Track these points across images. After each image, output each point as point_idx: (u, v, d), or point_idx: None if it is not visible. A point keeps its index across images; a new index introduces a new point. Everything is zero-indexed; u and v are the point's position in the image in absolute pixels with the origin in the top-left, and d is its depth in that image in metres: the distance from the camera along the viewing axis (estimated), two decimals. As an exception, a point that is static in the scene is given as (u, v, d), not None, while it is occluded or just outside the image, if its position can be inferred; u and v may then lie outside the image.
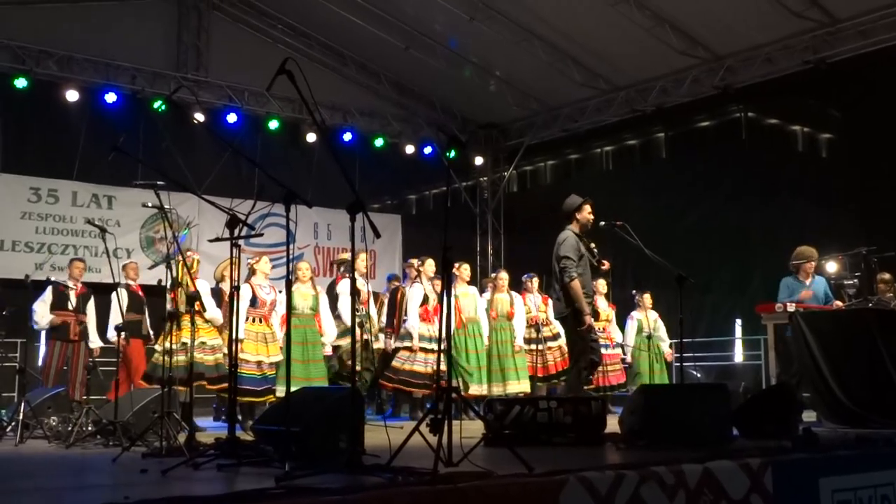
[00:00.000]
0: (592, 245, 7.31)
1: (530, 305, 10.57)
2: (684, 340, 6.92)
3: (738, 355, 12.79)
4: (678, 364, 10.27)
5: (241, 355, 8.07)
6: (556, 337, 10.43)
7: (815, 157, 12.43)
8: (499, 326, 10.21)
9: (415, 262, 10.02)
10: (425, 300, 9.59)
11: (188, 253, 8.28)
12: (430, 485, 3.46)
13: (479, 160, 15.40)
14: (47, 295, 9.07)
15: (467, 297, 9.98)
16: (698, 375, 12.32)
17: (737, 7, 10.75)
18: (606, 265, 7.60)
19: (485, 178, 15.89)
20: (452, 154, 13.92)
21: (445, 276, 4.45)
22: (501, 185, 15.75)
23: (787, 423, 5.94)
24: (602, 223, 7.33)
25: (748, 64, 11.68)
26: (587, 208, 7.26)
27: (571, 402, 6.00)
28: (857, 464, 4.66)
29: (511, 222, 15.74)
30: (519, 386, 10.03)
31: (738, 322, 12.54)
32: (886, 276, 8.72)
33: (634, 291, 11.28)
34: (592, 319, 7.28)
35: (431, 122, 14.70)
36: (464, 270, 10.05)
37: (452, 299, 9.64)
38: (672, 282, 6.75)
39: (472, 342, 9.86)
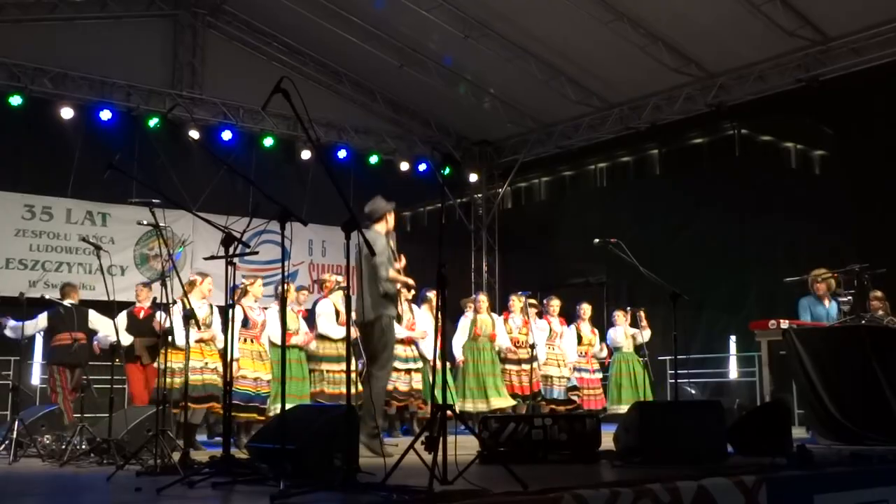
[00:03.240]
0: (392, 243, 7.22)
1: (511, 325, 10.76)
2: (679, 357, 6.92)
3: (733, 372, 12.79)
4: (673, 381, 10.30)
5: (239, 373, 8.13)
6: (531, 360, 10.52)
7: (809, 174, 12.45)
8: (482, 346, 10.45)
9: None
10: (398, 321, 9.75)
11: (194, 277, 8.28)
12: (427, 503, 3.46)
13: (473, 177, 15.44)
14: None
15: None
16: (693, 392, 12.31)
17: (730, 26, 10.82)
18: (402, 261, 7.63)
19: (479, 195, 15.93)
20: (447, 171, 14.04)
21: (441, 294, 4.45)
22: (496, 202, 15.79)
23: (781, 439, 5.96)
24: (596, 240, 7.34)
25: (741, 82, 11.77)
26: (393, 214, 7.24)
27: (566, 419, 6.01)
28: (852, 481, 4.66)
29: (505, 239, 15.76)
30: (503, 401, 10.28)
31: (733, 339, 12.54)
32: (879, 293, 8.75)
33: (629, 309, 11.30)
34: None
35: (426, 139, 14.74)
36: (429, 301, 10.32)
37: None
38: (667, 299, 6.77)
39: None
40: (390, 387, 9.54)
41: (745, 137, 12.88)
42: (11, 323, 8.84)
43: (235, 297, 5.89)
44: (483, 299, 10.80)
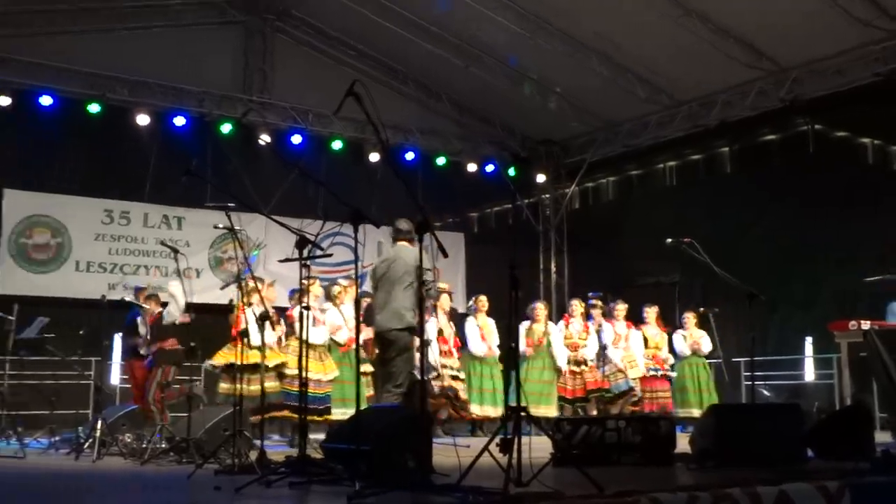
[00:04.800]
0: None
1: (571, 330, 10.85)
2: (755, 359, 6.79)
3: (809, 374, 12.48)
4: (749, 383, 10.12)
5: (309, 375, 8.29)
6: (587, 362, 10.71)
7: (887, 169, 12.07)
8: (536, 354, 10.56)
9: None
10: (440, 333, 9.81)
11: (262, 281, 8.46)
12: (503, 505, 3.47)
13: (540, 177, 15.36)
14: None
15: (487, 328, 10.47)
16: (767, 394, 12.06)
17: (803, 18, 10.56)
18: None
19: (546, 196, 15.85)
20: (514, 172, 13.98)
21: (514, 295, 4.44)
22: (564, 202, 15.69)
23: (863, 443, 5.81)
24: (669, 240, 7.25)
25: (816, 76, 11.46)
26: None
27: (640, 421, 5.95)
28: (940, 487, 4.52)
29: (573, 239, 15.66)
30: (545, 410, 10.31)
31: (809, 340, 12.24)
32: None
33: (702, 310, 11.14)
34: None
35: (492, 139, 14.73)
36: (481, 303, 10.53)
37: (477, 329, 10.23)
38: (739, 298, 6.66)
39: (489, 369, 10.37)
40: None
41: (819, 133, 12.56)
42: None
43: (304, 301, 5.98)
44: (541, 306, 10.88)
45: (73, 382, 9.69)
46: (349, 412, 8.70)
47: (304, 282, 6.27)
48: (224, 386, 8.66)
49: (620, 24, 11.53)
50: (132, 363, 9.26)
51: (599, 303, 10.99)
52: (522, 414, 4.36)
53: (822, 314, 11.10)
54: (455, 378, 9.88)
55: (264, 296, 8.05)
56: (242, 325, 6.82)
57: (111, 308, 8.96)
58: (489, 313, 10.57)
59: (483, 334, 10.36)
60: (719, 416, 5.73)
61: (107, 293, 9.97)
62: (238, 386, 6.34)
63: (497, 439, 4.21)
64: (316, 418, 8.77)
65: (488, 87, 13.51)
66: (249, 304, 7.37)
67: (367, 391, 9.05)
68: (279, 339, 8.95)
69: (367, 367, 9.06)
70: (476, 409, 10.15)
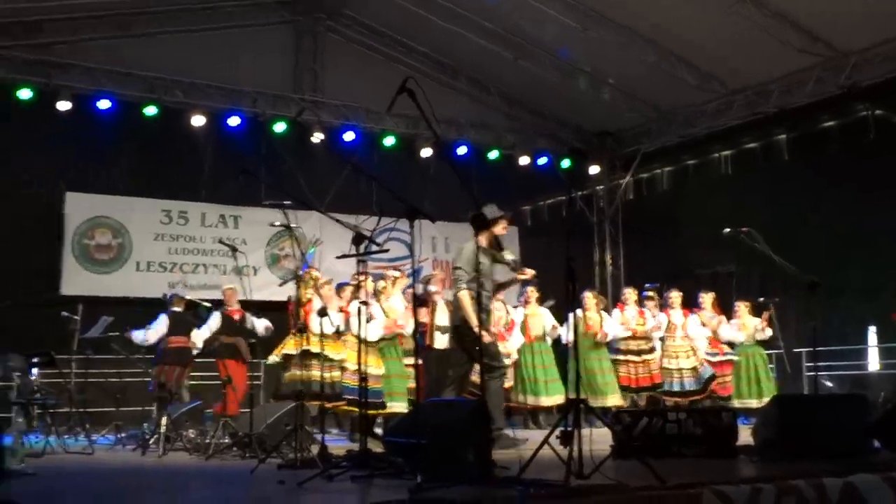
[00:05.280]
0: (508, 255, 7.06)
1: (626, 317, 10.83)
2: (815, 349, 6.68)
3: (873, 364, 12.21)
4: (812, 374, 9.95)
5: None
6: (651, 350, 10.77)
7: (951, 153, 11.75)
8: (586, 343, 10.50)
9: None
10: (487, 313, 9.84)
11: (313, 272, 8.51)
12: (565, 497, 3.47)
13: (594, 169, 15.25)
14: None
15: (535, 318, 10.47)
16: (830, 385, 11.83)
17: (860, 2, 10.33)
18: (528, 274, 7.58)
19: (600, 187, 15.73)
20: (568, 164, 13.90)
21: (572, 287, 4.43)
22: (618, 194, 15.56)
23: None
24: (727, 230, 7.18)
25: (875, 60, 11.21)
26: (503, 223, 6.86)
27: (701, 413, 5.90)
28: None
29: (628, 230, 15.54)
30: (611, 400, 10.29)
31: (872, 329, 11.98)
32: None
33: (761, 300, 10.97)
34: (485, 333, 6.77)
35: (545, 132, 14.67)
36: (532, 293, 10.50)
37: (522, 318, 10.23)
38: (799, 287, 6.56)
39: (541, 358, 10.35)
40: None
41: (880, 118, 12.28)
42: (134, 333, 9.32)
43: (360, 296, 6.04)
44: (590, 296, 10.84)
45: (138, 380, 9.90)
46: (395, 405, 8.83)
47: (360, 277, 6.41)
48: (287, 374, 8.76)
49: (673, 13, 11.39)
50: (226, 363, 9.14)
51: (654, 294, 10.91)
52: (582, 406, 4.35)
53: (885, 303, 10.87)
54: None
55: (322, 294, 8.13)
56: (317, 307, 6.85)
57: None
58: (541, 304, 10.55)
59: (528, 325, 10.35)
60: (783, 407, 5.64)
61: (167, 292, 10.18)
62: (301, 372, 6.43)
63: (557, 431, 4.21)
64: (371, 412, 8.82)
65: (539, 80, 13.46)
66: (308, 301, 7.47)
67: (409, 383, 9.09)
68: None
69: (409, 360, 9.09)
70: (531, 400, 10.15)
